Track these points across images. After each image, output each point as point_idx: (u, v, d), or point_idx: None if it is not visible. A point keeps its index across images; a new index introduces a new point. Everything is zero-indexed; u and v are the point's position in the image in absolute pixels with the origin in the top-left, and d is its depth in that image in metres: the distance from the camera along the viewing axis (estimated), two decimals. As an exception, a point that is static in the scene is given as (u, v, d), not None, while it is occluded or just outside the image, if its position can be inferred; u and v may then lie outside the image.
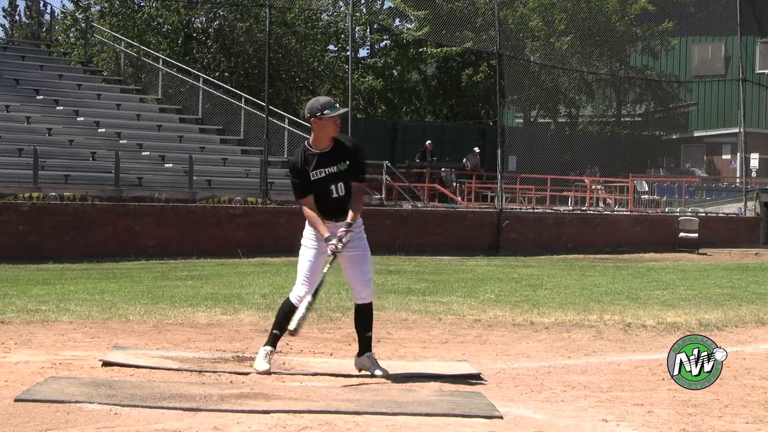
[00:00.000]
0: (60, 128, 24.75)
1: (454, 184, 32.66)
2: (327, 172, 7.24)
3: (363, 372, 7.41)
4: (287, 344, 8.70)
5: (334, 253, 7.15)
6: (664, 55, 44.04)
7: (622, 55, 43.57)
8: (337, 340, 9.19)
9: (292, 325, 7.16)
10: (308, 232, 7.39)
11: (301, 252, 7.41)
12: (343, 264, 7.36)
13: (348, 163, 7.26)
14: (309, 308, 7.21)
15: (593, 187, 35.37)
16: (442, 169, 33.10)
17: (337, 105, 7.39)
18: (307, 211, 7.30)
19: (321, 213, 7.26)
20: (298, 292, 7.32)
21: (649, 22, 42.73)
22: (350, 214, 7.23)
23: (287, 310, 7.37)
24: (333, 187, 7.25)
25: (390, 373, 7.36)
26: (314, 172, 7.24)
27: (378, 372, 7.33)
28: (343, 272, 7.46)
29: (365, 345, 7.44)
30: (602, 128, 45.11)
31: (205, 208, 22.29)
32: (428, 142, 33.61)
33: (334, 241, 7.13)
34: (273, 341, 7.42)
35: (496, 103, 30.03)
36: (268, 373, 7.27)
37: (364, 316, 7.42)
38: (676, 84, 45.19)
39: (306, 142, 7.39)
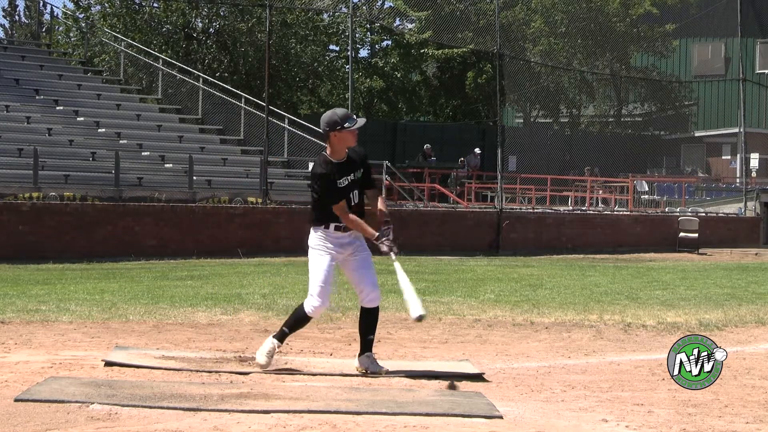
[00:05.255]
0: (60, 128, 24.75)
1: (458, 187, 32.60)
2: (349, 180, 7.35)
3: (364, 372, 7.44)
4: (287, 344, 8.72)
5: (392, 251, 7.26)
6: (664, 55, 44.09)
7: (623, 55, 43.60)
8: (337, 340, 9.19)
9: (419, 311, 7.24)
10: (318, 238, 7.39)
11: (313, 259, 7.39)
12: (348, 268, 7.42)
13: (362, 171, 7.41)
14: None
15: (593, 186, 35.36)
16: (453, 171, 33.02)
17: (354, 116, 7.48)
18: (351, 216, 7.30)
19: (336, 220, 7.32)
20: (313, 303, 7.34)
21: (651, 23, 42.75)
22: (382, 209, 7.37)
23: (301, 317, 7.45)
24: (351, 194, 7.36)
25: (390, 370, 7.40)
26: (339, 181, 7.34)
27: (377, 369, 7.36)
28: (348, 276, 7.48)
29: (366, 346, 7.49)
30: (603, 128, 45.13)
31: (205, 208, 22.29)
32: (427, 146, 33.59)
33: (387, 242, 7.25)
34: (281, 337, 7.50)
35: (496, 103, 30.02)
36: (265, 367, 7.35)
37: (370, 319, 7.48)
38: (677, 84, 45.21)
39: (325, 153, 7.44)
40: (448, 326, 10.30)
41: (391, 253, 7.29)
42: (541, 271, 19.23)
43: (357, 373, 7.44)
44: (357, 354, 7.58)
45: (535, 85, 41.40)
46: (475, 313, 11.32)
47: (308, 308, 7.36)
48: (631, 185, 34.00)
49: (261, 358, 7.41)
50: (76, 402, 6.11)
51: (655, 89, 44.68)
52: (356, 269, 7.39)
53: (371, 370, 7.38)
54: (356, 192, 7.38)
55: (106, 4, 35.17)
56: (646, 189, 36.94)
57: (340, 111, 7.43)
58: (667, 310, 11.96)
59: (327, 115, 7.38)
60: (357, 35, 39.68)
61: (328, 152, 7.42)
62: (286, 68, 35.27)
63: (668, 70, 46.14)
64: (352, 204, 7.36)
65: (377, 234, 7.27)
